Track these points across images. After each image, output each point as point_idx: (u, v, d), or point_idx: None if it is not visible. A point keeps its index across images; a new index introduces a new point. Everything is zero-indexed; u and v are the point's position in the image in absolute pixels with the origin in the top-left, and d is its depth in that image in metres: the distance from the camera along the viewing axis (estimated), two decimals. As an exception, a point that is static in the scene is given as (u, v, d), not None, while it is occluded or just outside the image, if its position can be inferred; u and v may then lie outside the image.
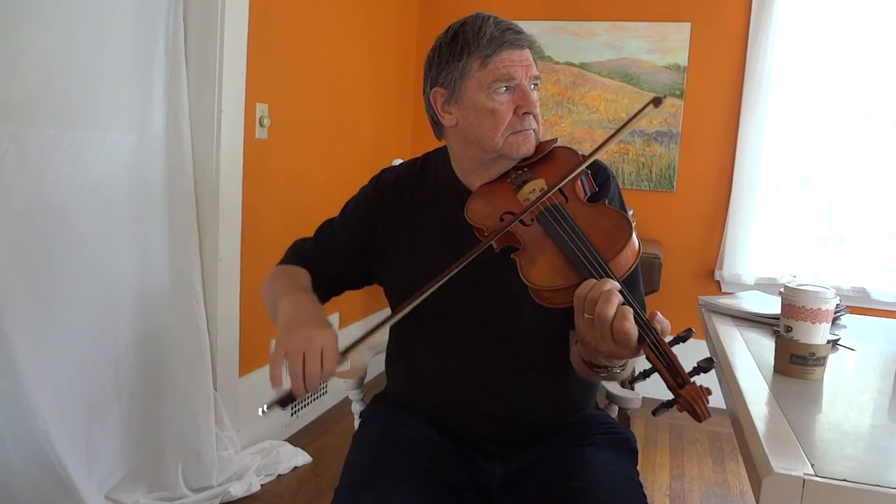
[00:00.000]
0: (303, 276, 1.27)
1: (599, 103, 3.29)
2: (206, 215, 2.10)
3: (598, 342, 0.90)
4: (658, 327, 0.89)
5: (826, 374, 1.08)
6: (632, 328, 0.87)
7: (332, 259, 1.31)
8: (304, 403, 2.68)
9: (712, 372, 0.87)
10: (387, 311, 1.30)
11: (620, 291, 0.90)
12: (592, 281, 0.91)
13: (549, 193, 1.06)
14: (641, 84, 3.23)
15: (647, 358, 0.88)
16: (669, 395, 0.86)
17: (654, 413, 0.86)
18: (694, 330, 0.86)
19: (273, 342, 1.02)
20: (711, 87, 3.17)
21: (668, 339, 0.88)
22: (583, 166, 1.08)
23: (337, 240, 1.31)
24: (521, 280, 0.99)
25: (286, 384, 0.97)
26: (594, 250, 0.96)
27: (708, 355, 0.85)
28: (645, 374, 0.89)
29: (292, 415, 2.61)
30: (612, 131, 1.11)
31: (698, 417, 0.83)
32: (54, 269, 1.71)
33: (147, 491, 1.94)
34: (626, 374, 1.05)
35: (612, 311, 0.87)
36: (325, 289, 1.32)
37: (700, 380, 0.86)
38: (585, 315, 0.90)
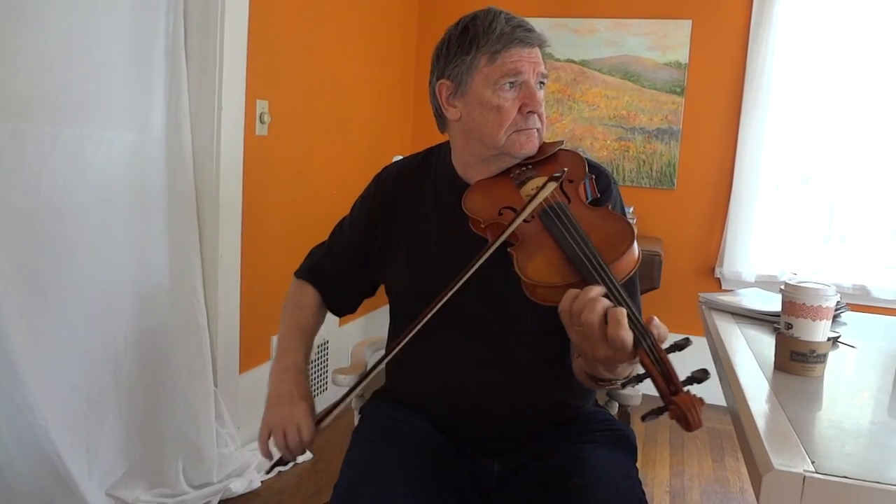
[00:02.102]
0: (308, 308, 1.33)
1: (600, 101, 3.29)
2: (207, 212, 2.10)
3: (593, 350, 0.89)
4: (655, 332, 0.87)
5: (826, 372, 1.08)
6: (626, 334, 0.85)
7: (345, 262, 1.31)
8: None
9: (707, 382, 0.83)
10: (386, 309, 1.30)
11: (616, 293, 0.89)
12: (575, 292, 0.89)
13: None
14: (642, 81, 3.22)
15: (642, 363, 0.86)
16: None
17: (644, 419, 0.84)
18: (692, 340, 0.85)
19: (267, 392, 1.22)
20: (712, 84, 3.16)
21: (664, 346, 0.87)
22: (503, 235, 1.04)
23: (347, 243, 1.32)
24: (516, 273, 0.98)
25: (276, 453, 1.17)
26: (595, 251, 0.95)
27: (703, 366, 0.83)
28: (638, 378, 0.88)
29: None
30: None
31: (689, 426, 0.80)
32: (53, 267, 1.71)
33: (148, 487, 1.95)
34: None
35: (595, 317, 0.86)
36: (341, 303, 1.36)
37: (693, 390, 0.83)
38: (575, 328, 0.89)
